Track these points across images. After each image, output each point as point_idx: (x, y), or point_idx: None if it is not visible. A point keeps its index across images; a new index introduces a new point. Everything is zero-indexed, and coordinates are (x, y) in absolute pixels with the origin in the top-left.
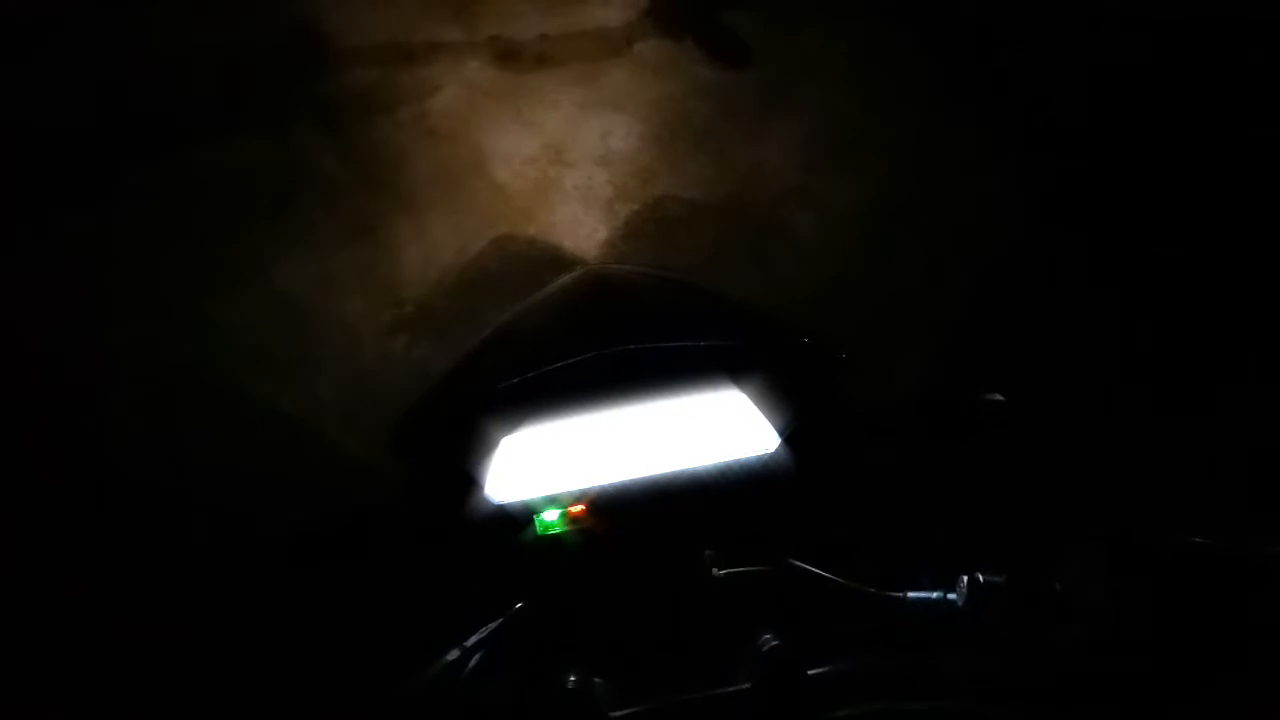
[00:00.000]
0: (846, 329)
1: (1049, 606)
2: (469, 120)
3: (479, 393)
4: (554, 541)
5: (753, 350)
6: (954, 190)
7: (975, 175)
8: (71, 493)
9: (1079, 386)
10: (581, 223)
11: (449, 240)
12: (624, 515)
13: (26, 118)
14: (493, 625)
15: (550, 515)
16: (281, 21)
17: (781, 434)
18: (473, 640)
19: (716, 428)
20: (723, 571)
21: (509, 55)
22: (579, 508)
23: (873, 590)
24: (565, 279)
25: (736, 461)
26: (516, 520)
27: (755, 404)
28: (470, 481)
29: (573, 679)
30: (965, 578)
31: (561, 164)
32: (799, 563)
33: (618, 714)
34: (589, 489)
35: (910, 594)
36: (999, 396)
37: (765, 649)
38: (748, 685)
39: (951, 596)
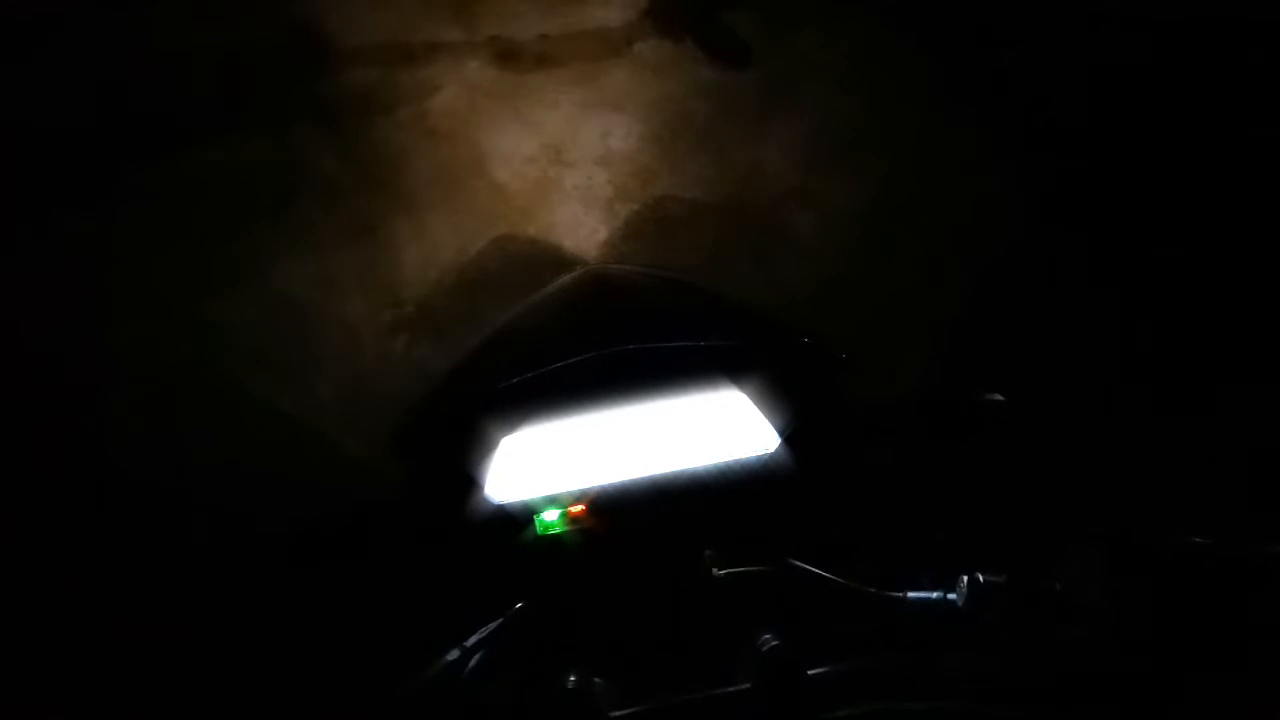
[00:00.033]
0: (846, 329)
1: (1049, 606)
2: (469, 120)
3: (479, 393)
4: (554, 541)
5: (753, 350)
6: (954, 190)
7: (975, 175)
8: (71, 493)
9: (1079, 386)
10: (581, 223)
11: (449, 240)
12: (624, 515)
13: (26, 118)
14: (493, 625)
15: (550, 515)
16: (281, 21)
17: (781, 434)
18: (473, 640)
19: (716, 428)
20: (723, 571)
21: (509, 55)
22: (579, 508)
23: (873, 590)
24: (565, 279)
25: (736, 461)
26: (516, 520)
27: (755, 404)
28: (470, 481)
29: (573, 679)
30: (965, 577)
31: (561, 164)
32: (799, 563)
33: (618, 714)
34: (589, 489)
35: (910, 594)
36: (999, 396)
37: (765, 649)
38: (748, 685)
39: (951, 596)
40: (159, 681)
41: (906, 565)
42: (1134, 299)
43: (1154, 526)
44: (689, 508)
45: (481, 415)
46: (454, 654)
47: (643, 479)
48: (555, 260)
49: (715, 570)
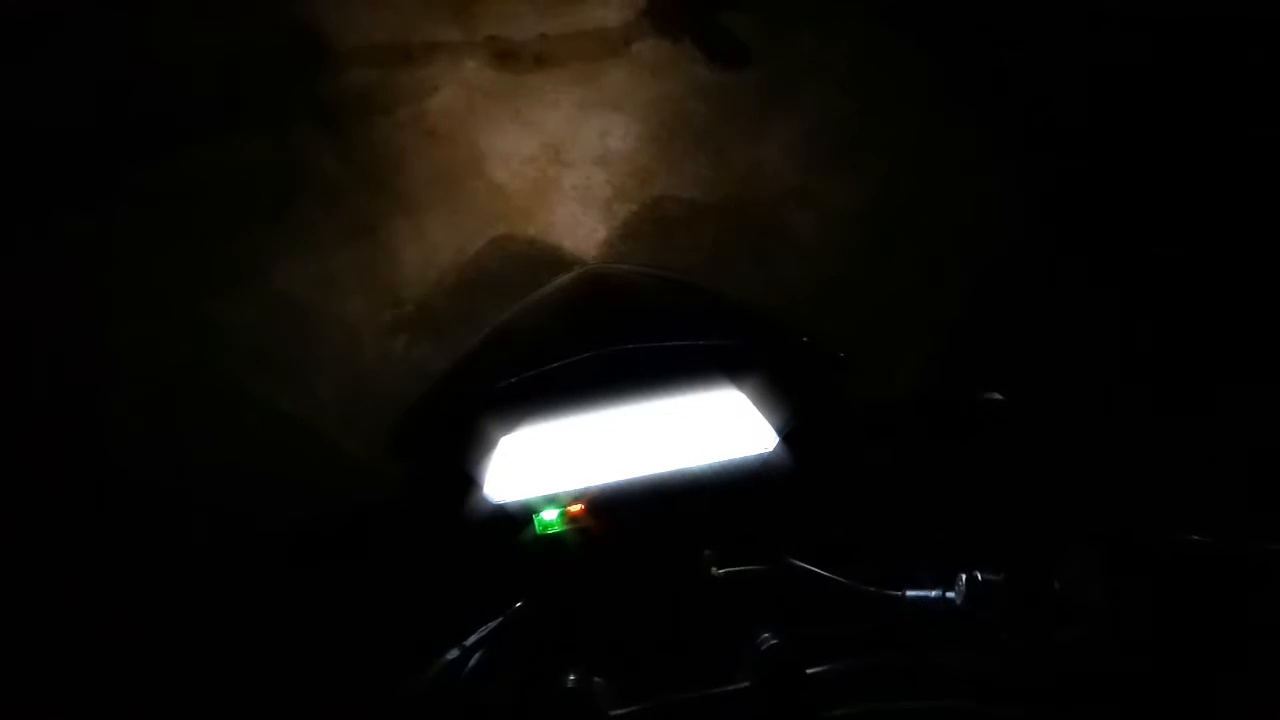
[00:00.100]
0: (846, 329)
1: (1048, 606)
2: (468, 120)
3: (478, 393)
4: (553, 541)
5: (752, 350)
6: (954, 190)
7: (975, 175)
8: (71, 493)
9: (1079, 386)
10: (580, 223)
11: (449, 240)
12: (623, 515)
13: (26, 118)
14: (493, 625)
15: (549, 515)
16: (281, 21)
17: (780, 434)
18: (473, 640)
19: (715, 427)
20: (722, 571)
21: (507, 55)
22: (578, 507)
23: (872, 589)
24: (564, 279)
25: (735, 461)
26: (516, 520)
27: (754, 403)
28: (470, 481)
29: (573, 679)
30: (964, 576)
31: (560, 164)
32: (798, 562)
33: (618, 713)
34: (588, 489)
35: (909, 593)
36: (999, 396)
37: (765, 648)
38: (747, 685)
39: (950, 595)
40: (159, 681)
41: (905, 564)
42: (1134, 299)
43: (1154, 526)
44: (688, 507)
45: (480, 415)
46: (454, 654)
47: (641, 478)
48: (554, 260)
49: (714, 570)
